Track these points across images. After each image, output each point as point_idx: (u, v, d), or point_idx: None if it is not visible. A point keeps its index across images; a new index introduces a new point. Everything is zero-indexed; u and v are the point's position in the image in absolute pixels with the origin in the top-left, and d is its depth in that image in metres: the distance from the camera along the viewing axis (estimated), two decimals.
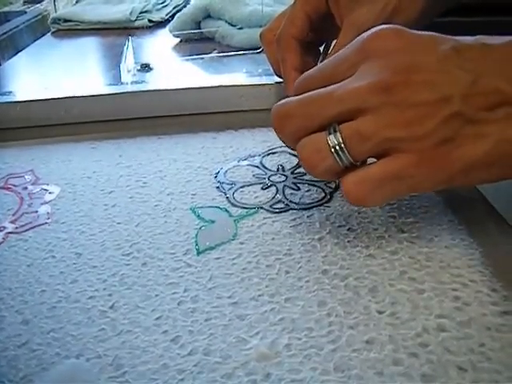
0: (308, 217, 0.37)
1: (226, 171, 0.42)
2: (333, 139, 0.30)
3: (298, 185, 0.40)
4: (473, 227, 0.35)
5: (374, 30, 0.32)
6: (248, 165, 0.44)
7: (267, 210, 0.37)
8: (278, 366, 0.26)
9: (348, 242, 0.34)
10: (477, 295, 0.30)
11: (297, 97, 0.32)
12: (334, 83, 0.31)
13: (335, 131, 0.30)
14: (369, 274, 0.32)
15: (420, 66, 0.30)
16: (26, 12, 1.06)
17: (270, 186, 0.40)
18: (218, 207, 0.38)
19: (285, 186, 0.40)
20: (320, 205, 0.38)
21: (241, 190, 0.40)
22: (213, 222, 0.37)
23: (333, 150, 0.30)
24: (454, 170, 0.30)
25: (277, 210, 0.37)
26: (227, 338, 0.27)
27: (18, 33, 0.90)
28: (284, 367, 0.26)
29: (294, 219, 0.37)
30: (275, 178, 0.41)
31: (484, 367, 0.25)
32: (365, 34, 0.32)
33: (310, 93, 0.32)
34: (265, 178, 0.41)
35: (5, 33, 0.85)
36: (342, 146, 0.30)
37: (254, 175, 0.42)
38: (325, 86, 0.32)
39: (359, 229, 0.35)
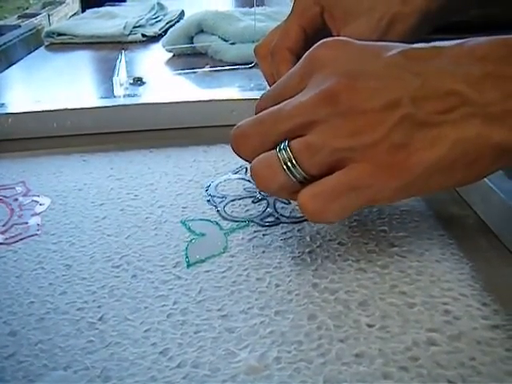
0: (298, 230, 0.37)
1: (217, 185, 0.42)
2: (283, 154, 0.30)
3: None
4: (463, 242, 0.35)
5: (321, 41, 0.32)
6: (239, 178, 0.44)
7: (258, 224, 0.37)
8: (267, 379, 0.26)
9: (338, 255, 0.34)
10: (467, 309, 0.30)
11: (252, 116, 0.33)
12: (286, 99, 0.31)
13: (286, 146, 0.30)
14: (359, 287, 0.31)
15: (366, 73, 0.30)
16: (20, 26, 1.06)
17: (261, 199, 0.40)
18: (209, 220, 0.38)
19: (276, 199, 0.40)
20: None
21: (231, 203, 0.40)
22: (203, 234, 0.37)
23: (284, 165, 0.30)
24: (412, 176, 0.29)
25: (267, 224, 0.37)
26: (216, 350, 0.27)
27: (12, 46, 0.90)
28: (273, 380, 0.26)
29: (285, 233, 0.37)
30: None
31: (474, 381, 0.25)
32: (313, 47, 0.32)
33: (263, 112, 0.32)
34: (256, 192, 0.41)
35: None
36: (293, 160, 0.30)
37: (244, 189, 0.42)
38: (279, 103, 0.32)
39: (350, 243, 0.35)
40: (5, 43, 0.89)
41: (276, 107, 0.32)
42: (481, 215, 0.38)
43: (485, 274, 0.32)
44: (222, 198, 0.40)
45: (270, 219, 0.38)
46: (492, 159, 0.29)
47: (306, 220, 0.38)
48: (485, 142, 0.28)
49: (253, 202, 0.40)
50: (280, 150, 0.31)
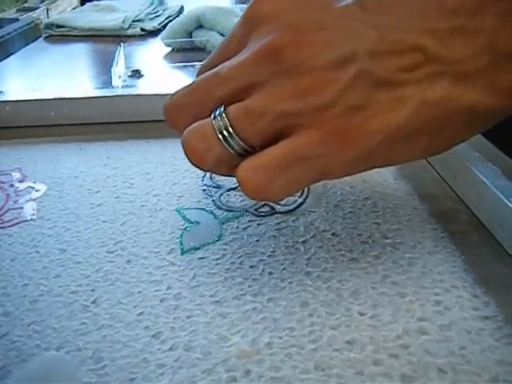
0: (293, 221, 0.37)
1: (212, 174, 0.42)
2: (218, 122, 0.26)
3: None
4: (456, 236, 0.36)
5: None
6: None
7: (253, 214, 0.38)
8: (259, 363, 0.26)
9: (332, 245, 0.34)
10: (458, 300, 0.30)
11: (187, 84, 0.29)
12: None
13: (221, 112, 0.26)
14: (351, 277, 0.32)
15: (316, 25, 0.25)
16: (18, 19, 1.06)
17: None
18: (204, 209, 0.38)
19: None
20: (302, 203, 0.38)
21: (227, 193, 0.40)
22: (198, 223, 0.37)
23: (220, 135, 0.26)
24: (371, 144, 0.26)
25: (262, 214, 0.38)
26: (208, 335, 0.27)
27: (10, 40, 0.90)
28: (264, 365, 0.26)
29: (279, 223, 0.37)
30: None
31: (464, 369, 0.26)
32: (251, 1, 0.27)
33: (197, 78, 0.28)
34: None
35: None
36: (230, 128, 0.26)
37: None
38: None
39: (343, 234, 0.36)
40: (3, 36, 0.89)
41: (211, 72, 0.28)
42: (474, 210, 0.38)
43: (476, 268, 0.33)
44: (218, 187, 0.41)
45: (264, 209, 0.38)
46: (462, 125, 0.26)
47: (300, 206, 0.38)
48: (454, 105, 0.25)
49: None
50: (215, 117, 0.27)
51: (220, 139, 0.26)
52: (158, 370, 0.25)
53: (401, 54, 0.25)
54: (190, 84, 0.29)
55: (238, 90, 0.26)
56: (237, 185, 0.40)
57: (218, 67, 0.27)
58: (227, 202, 0.39)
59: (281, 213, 0.38)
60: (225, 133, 0.26)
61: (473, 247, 0.35)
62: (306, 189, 0.38)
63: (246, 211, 0.38)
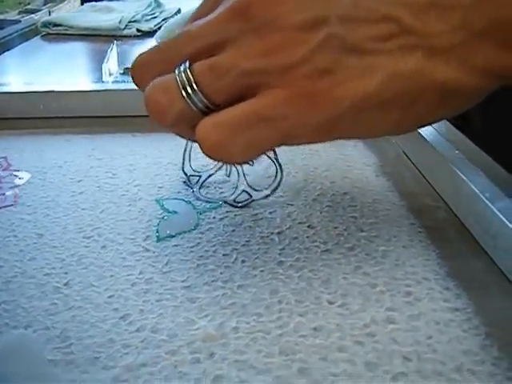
0: (270, 213, 0.37)
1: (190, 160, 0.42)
2: (182, 77, 0.26)
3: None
4: (432, 231, 0.36)
5: None
6: None
7: (231, 205, 0.38)
8: (223, 346, 0.26)
9: (307, 237, 0.35)
10: (429, 292, 0.30)
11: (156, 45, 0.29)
12: None
13: (186, 68, 0.26)
14: (324, 267, 0.32)
15: None
16: (20, 21, 1.07)
17: (230, 170, 0.40)
18: (183, 200, 0.39)
19: (246, 175, 0.39)
20: (277, 187, 0.38)
21: (207, 183, 0.41)
22: (176, 212, 0.37)
23: (183, 90, 0.26)
24: (338, 109, 0.25)
25: (240, 205, 0.38)
26: (176, 318, 0.28)
27: (11, 41, 0.91)
28: (229, 348, 0.26)
29: (256, 214, 0.37)
30: None
31: (429, 358, 0.26)
32: None
33: (169, 37, 0.28)
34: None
35: None
36: (193, 84, 0.25)
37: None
38: None
39: (319, 226, 0.36)
40: (4, 37, 0.90)
41: (182, 30, 0.27)
42: (452, 208, 0.39)
43: (450, 262, 0.33)
44: (198, 176, 0.41)
45: (242, 198, 0.38)
46: (434, 101, 0.26)
47: (275, 189, 0.37)
48: (426, 79, 0.25)
49: (226, 175, 0.40)
50: (179, 72, 0.26)
51: (183, 94, 0.26)
52: (123, 350, 0.26)
53: (374, 23, 0.25)
54: (159, 43, 0.29)
55: (207, 47, 0.26)
56: (216, 170, 0.40)
57: (188, 26, 0.27)
58: (206, 193, 0.39)
59: (259, 199, 0.38)
60: (188, 88, 0.26)
61: (448, 242, 0.35)
62: (279, 172, 0.37)
63: (225, 202, 0.38)
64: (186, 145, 0.40)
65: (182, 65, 0.26)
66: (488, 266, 0.33)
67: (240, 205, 0.38)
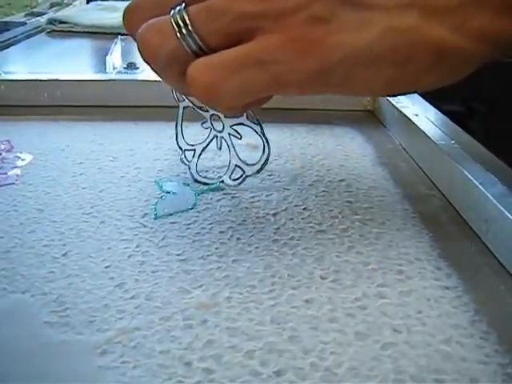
0: (266, 196, 0.38)
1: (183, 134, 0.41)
2: (177, 17, 0.25)
3: (237, 129, 0.38)
4: (425, 216, 0.36)
5: None
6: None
7: (228, 185, 0.38)
8: (216, 314, 0.27)
9: (302, 218, 0.35)
10: (420, 271, 0.31)
11: None
12: None
13: (181, 9, 0.26)
14: (318, 245, 0.32)
15: None
16: (26, 23, 1.08)
17: (221, 143, 0.39)
18: (182, 182, 0.39)
19: (229, 134, 0.38)
20: (267, 159, 0.37)
21: (206, 166, 0.41)
22: (174, 193, 0.38)
23: (177, 30, 0.25)
24: (331, 58, 0.25)
25: (236, 182, 0.38)
26: (170, 287, 0.28)
27: (17, 42, 0.92)
28: (221, 316, 0.26)
29: (253, 197, 0.38)
30: (216, 126, 0.39)
31: (418, 330, 0.26)
32: None
33: None
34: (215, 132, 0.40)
35: (3, 41, 0.87)
36: (189, 25, 0.25)
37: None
38: None
39: (314, 209, 0.36)
40: (9, 38, 0.91)
41: None
42: (446, 195, 0.39)
43: (443, 244, 0.33)
44: (192, 150, 0.40)
45: (237, 175, 0.38)
46: (427, 62, 0.26)
47: (266, 162, 0.37)
48: (420, 37, 0.26)
49: (218, 148, 0.39)
50: (174, 13, 0.26)
51: (177, 35, 0.25)
52: (118, 315, 0.26)
53: None
54: None
55: None
56: (206, 141, 0.40)
57: None
58: (205, 176, 0.40)
59: (252, 174, 0.37)
60: (183, 29, 0.25)
61: (441, 226, 0.36)
62: (266, 146, 0.37)
63: (222, 182, 0.38)
64: (177, 118, 0.40)
65: (178, 7, 0.26)
66: (480, 249, 0.33)
67: (236, 182, 0.38)
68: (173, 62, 0.26)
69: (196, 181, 0.39)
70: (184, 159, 0.40)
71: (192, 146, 0.41)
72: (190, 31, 0.25)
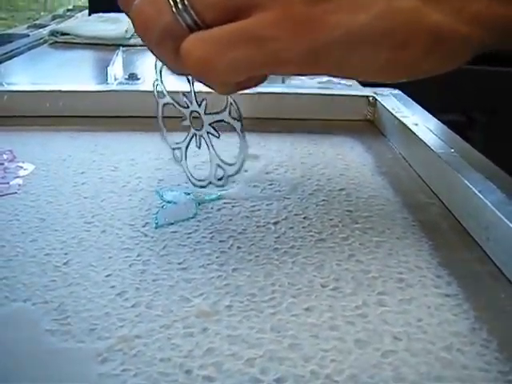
0: (267, 205, 0.38)
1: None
2: None
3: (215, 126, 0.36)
4: (425, 225, 0.37)
5: None
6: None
7: (216, 185, 0.36)
8: (217, 322, 0.27)
9: (302, 227, 0.35)
10: (421, 279, 0.31)
11: None
12: None
13: None
14: (318, 254, 0.33)
15: None
16: (28, 35, 1.09)
17: (200, 142, 0.38)
18: (182, 191, 0.39)
19: (208, 133, 0.36)
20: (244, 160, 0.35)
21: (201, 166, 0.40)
22: (175, 203, 0.38)
23: (173, 4, 0.25)
24: (329, 37, 0.25)
25: (221, 183, 0.36)
26: (171, 296, 0.28)
27: (20, 54, 0.93)
28: (222, 324, 0.27)
29: (253, 206, 0.38)
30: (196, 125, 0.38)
31: (419, 338, 0.26)
32: None
33: None
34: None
35: (5, 53, 0.88)
36: None
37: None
38: None
39: (314, 218, 0.37)
40: (12, 50, 0.92)
41: None
42: (446, 203, 0.39)
43: (443, 252, 0.33)
44: (178, 149, 0.39)
45: (219, 174, 0.36)
46: (425, 45, 0.26)
47: (244, 162, 0.35)
48: (419, 20, 0.26)
49: (197, 146, 0.38)
50: None
51: (172, 9, 0.25)
52: (119, 323, 0.26)
53: None
54: None
55: None
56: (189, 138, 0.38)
57: None
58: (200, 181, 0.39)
59: (232, 175, 0.35)
60: (179, 4, 0.25)
61: (441, 235, 0.36)
62: (243, 145, 0.34)
63: (210, 183, 0.36)
64: (158, 115, 0.39)
65: None
66: (480, 257, 0.33)
67: (221, 183, 0.36)
68: (167, 36, 0.26)
69: (193, 184, 0.39)
70: (175, 158, 0.40)
71: (177, 144, 0.39)
72: (185, 5, 0.25)
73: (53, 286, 0.29)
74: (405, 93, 0.59)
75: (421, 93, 0.56)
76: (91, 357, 0.24)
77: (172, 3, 0.25)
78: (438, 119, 0.51)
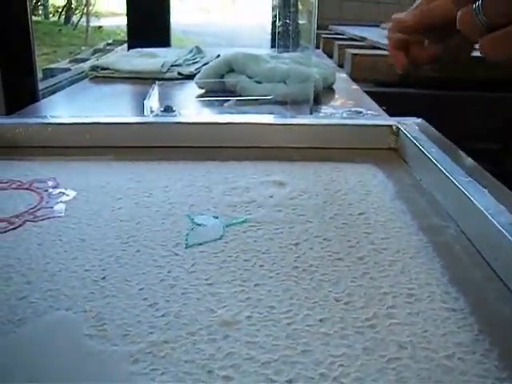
0: (290, 228, 0.41)
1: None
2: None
3: None
4: (439, 246, 0.39)
5: None
6: None
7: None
8: (237, 331, 0.29)
9: (321, 248, 0.38)
10: (430, 295, 0.33)
11: None
12: None
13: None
14: (334, 272, 0.35)
15: None
16: (70, 69, 1.16)
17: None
18: (211, 215, 0.43)
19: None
20: None
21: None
22: (204, 225, 0.41)
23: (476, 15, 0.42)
24: None
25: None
26: (198, 307, 0.31)
27: (61, 87, 0.99)
28: (242, 332, 0.29)
29: (277, 229, 0.41)
30: None
31: (423, 347, 0.28)
32: None
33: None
34: None
35: (49, 86, 0.94)
36: (479, 6, 0.41)
37: None
38: None
39: (334, 239, 0.39)
40: (55, 84, 0.98)
41: None
42: (461, 226, 0.41)
43: (453, 271, 0.36)
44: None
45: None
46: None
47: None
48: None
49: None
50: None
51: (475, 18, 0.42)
52: (149, 330, 0.29)
53: None
54: None
55: None
56: None
57: None
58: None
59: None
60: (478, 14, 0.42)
61: (454, 255, 0.38)
62: None
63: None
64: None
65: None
66: (490, 276, 0.35)
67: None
68: (475, 30, 0.43)
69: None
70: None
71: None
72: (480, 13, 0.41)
73: (91, 297, 0.32)
74: (436, 121, 0.62)
75: (455, 121, 0.59)
76: (124, 358, 0.27)
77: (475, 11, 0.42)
78: (475, 147, 0.54)
